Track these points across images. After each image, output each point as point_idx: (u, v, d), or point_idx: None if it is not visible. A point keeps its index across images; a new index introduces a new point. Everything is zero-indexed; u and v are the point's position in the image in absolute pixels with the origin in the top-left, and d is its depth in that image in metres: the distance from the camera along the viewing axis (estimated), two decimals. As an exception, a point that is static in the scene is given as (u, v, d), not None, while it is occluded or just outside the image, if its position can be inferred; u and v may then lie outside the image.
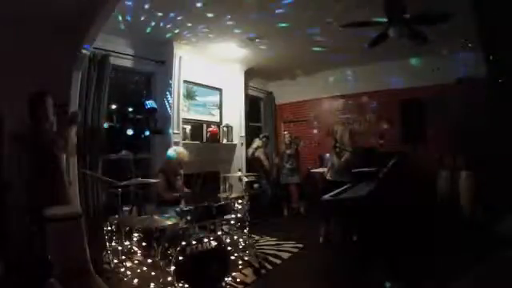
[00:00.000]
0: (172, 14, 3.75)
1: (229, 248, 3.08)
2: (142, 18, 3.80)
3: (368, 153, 5.42)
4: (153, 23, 3.95)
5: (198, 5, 3.52)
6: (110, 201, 3.66)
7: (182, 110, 4.76)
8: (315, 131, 6.76)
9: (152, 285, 2.62)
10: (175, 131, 4.57)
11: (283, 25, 4.10)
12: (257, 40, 4.60)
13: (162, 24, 3.99)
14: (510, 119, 3.30)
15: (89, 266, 2.57)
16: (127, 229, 3.10)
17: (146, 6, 3.51)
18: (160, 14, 3.72)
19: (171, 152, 3.72)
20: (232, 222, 3.69)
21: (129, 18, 3.77)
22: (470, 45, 4.55)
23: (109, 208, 3.64)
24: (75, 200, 3.04)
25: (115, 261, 3.03)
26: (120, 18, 3.69)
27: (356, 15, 3.51)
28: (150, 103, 4.07)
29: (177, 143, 4.42)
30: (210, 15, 3.80)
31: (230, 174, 4.97)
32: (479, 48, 3.95)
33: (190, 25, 4.07)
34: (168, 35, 4.35)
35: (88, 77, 3.69)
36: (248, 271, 3.21)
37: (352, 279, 2.98)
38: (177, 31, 4.24)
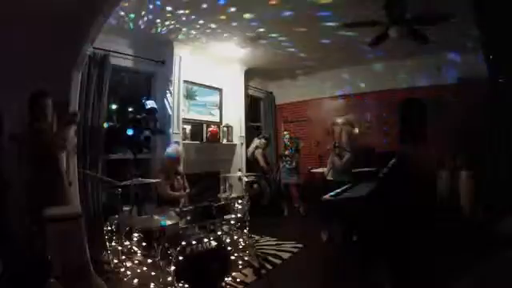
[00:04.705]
0: (172, 14, 3.75)
1: (229, 248, 3.08)
2: (142, 18, 3.80)
3: (368, 153, 5.43)
4: (153, 23, 3.95)
5: (199, 5, 3.52)
6: (110, 201, 3.66)
7: (181, 110, 4.76)
8: (315, 131, 6.76)
9: (152, 285, 2.62)
10: (175, 131, 4.57)
11: (283, 25, 4.10)
12: (257, 40, 4.60)
13: (162, 24, 3.99)
14: (509, 119, 3.31)
15: (89, 266, 2.57)
16: (127, 229, 3.09)
17: (146, 6, 3.51)
18: (160, 13, 3.71)
19: (168, 150, 3.73)
20: (232, 222, 3.68)
21: (129, 18, 3.77)
22: (469, 45, 4.56)
23: (109, 208, 3.64)
24: (75, 200, 3.03)
25: (115, 261, 3.02)
26: (120, 17, 3.69)
27: (356, 15, 3.52)
28: (149, 103, 4.07)
29: (177, 143, 4.42)
30: (209, 15, 3.80)
31: (230, 174, 4.97)
32: (479, 48, 3.95)
33: (190, 25, 4.06)
34: (168, 35, 4.34)
35: (88, 77, 3.69)
36: (248, 271, 3.20)
37: (352, 279, 2.98)
38: (177, 31, 4.23)
